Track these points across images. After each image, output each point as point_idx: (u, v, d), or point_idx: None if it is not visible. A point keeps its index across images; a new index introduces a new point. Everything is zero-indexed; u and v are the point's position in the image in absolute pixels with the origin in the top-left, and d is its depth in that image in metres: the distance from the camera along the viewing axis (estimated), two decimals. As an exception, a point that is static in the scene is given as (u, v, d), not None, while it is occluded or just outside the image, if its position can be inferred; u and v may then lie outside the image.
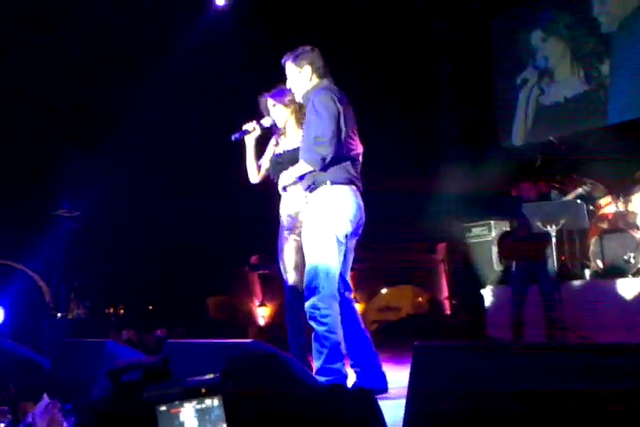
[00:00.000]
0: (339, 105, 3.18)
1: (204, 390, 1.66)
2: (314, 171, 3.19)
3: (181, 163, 7.50)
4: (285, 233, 3.66)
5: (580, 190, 5.00)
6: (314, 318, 3.13)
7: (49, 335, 5.63)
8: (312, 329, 3.18)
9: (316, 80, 3.32)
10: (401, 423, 1.78)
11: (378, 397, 3.23)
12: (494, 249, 6.50)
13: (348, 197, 3.20)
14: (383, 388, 3.25)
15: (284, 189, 3.53)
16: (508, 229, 6.15)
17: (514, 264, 5.27)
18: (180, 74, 6.86)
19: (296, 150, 3.40)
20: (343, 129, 3.19)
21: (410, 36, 7.69)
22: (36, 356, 3.75)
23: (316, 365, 3.13)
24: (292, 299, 3.58)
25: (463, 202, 6.98)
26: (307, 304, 3.17)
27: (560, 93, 7.49)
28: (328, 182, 3.17)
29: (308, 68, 3.30)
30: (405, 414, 1.77)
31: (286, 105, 3.61)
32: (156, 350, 3.15)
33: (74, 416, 2.87)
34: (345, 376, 3.16)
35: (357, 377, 3.28)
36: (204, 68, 6.94)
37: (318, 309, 3.12)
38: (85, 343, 3.21)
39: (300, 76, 3.32)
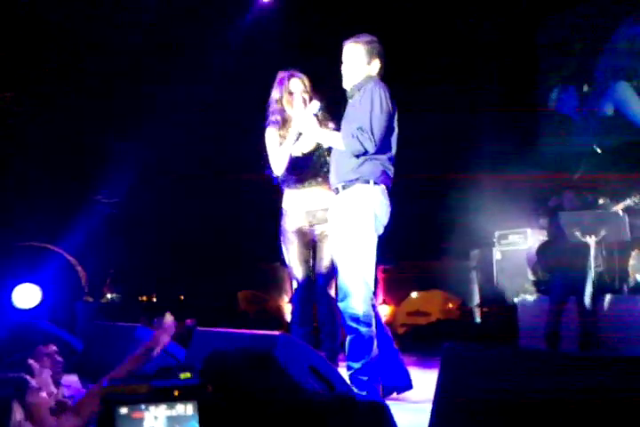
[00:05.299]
0: (393, 105, 3.17)
1: (176, 393, 1.38)
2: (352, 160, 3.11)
3: (220, 156, 7.56)
4: (294, 229, 3.62)
5: (628, 202, 4.85)
6: (356, 320, 3.06)
7: (82, 318, 5.75)
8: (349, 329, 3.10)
9: (379, 75, 3.26)
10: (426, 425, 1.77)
11: (403, 399, 3.24)
12: (529, 258, 6.38)
13: (384, 197, 3.17)
14: (408, 385, 3.23)
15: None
16: (544, 238, 6.04)
17: (553, 274, 5.16)
18: (222, 67, 6.92)
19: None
20: (395, 129, 3.20)
21: (458, 37, 7.60)
22: (69, 337, 3.84)
23: (355, 366, 3.07)
24: (309, 295, 3.61)
25: (500, 208, 6.87)
26: (348, 305, 3.09)
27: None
28: (369, 181, 3.12)
29: (377, 63, 3.22)
30: (432, 414, 1.76)
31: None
32: (185, 338, 3.18)
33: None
34: (379, 381, 3.11)
35: (381, 376, 3.25)
36: (248, 63, 6.98)
37: (361, 310, 3.06)
38: (117, 327, 3.26)
39: (368, 68, 3.21)
